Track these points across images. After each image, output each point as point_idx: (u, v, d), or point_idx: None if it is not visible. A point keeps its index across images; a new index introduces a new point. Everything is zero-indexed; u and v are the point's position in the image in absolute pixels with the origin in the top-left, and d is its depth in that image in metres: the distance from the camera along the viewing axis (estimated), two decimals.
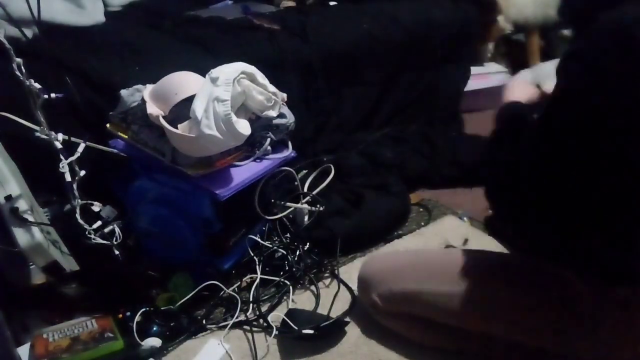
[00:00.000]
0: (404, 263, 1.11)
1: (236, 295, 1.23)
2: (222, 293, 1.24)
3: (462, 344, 1.06)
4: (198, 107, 1.11)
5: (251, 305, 1.23)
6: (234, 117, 1.12)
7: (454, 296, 0.97)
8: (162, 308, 1.17)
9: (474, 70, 2.17)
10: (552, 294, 0.90)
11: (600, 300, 0.85)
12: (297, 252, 1.34)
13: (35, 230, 1.00)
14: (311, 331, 1.11)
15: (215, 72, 1.14)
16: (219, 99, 1.10)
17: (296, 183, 1.44)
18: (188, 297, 1.19)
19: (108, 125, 1.29)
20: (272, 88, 1.25)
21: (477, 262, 1.01)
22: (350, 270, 1.33)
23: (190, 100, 1.14)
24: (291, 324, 1.13)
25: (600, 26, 0.70)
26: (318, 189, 1.46)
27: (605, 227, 0.80)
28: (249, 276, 1.29)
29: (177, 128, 1.14)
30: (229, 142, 1.17)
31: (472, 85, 2.16)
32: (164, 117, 1.16)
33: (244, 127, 1.16)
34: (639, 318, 0.85)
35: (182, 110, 1.16)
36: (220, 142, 1.14)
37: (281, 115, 1.34)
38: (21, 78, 0.99)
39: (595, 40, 0.70)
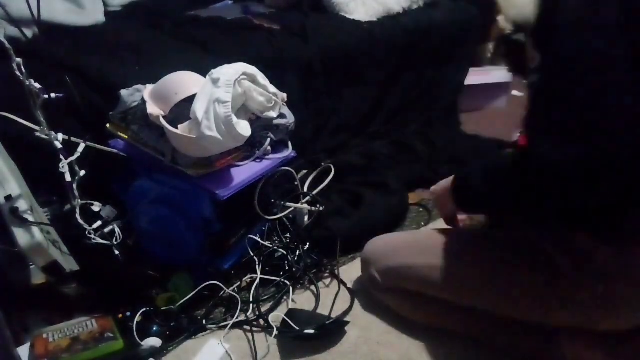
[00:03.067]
0: (400, 241, 1.19)
1: (236, 295, 1.23)
2: (222, 293, 1.24)
3: (449, 322, 1.12)
4: (199, 109, 1.11)
5: (251, 305, 1.22)
6: (234, 119, 1.12)
7: (441, 270, 1.05)
8: (162, 308, 1.17)
9: (473, 69, 2.18)
10: (533, 269, 0.95)
11: (579, 273, 0.89)
12: (297, 252, 1.34)
13: (35, 230, 1.00)
14: (311, 331, 1.11)
15: (216, 72, 1.14)
16: (220, 100, 1.10)
17: (296, 183, 1.44)
18: (188, 297, 1.19)
19: (108, 125, 1.29)
20: (272, 89, 1.25)
21: (461, 238, 1.10)
22: (350, 270, 1.33)
23: (190, 100, 1.14)
24: (291, 324, 1.13)
25: None
26: (318, 189, 1.46)
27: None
28: (249, 276, 1.29)
29: (177, 128, 1.14)
30: (229, 143, 1.17)
31: (471, 80, 2.17)
32: (164, 117, 1.16)
33: (244, 129, 1.16)
34: (615, 290, 0.88)
35: (182, 110, 1.16)
36: (221, 143, 1.14)
37: (281, 116, 1.34)
38: (21, 78, 0.99)
39: None
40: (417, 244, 1.14)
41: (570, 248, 0.90)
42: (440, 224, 1.53)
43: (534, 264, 0.95)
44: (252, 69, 1.21)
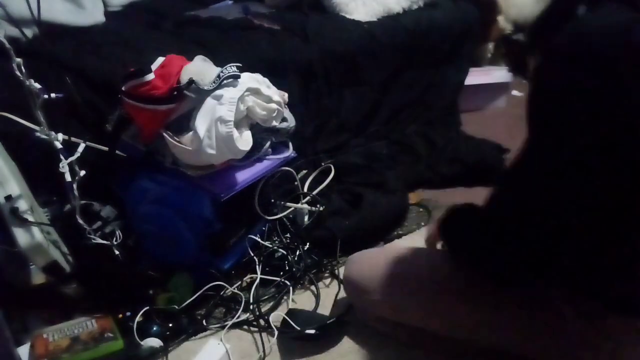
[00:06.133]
0: (380, 270, 1.03)
1: (239, 292, 1.23)
2: (223, 292, 1.24)
3: (445, 345, 1.05)
4: (200, 125, 1.10)
5: (251, 305, 1.23)
6: (235, 134, 1.12)
7: (433, 316, 0.97)
8: (162, 308, 1.17)
9: (473, 69, 2.18)
10: (536, 316, 0.88)
11: (586, 326, 0.83)
12: (297, 252, 1.34)
13: (35, 230, 1.00)
14: (312, 331, 1.11)
15: (220, 90, 1.13)
16: (223, 119, 1.10)
17: (296, 183, 1.44)
18: (191, 299, 1.19)
19: (107, 125, 1.29)
20: (276, 97, 1.24)
21: (454, 275, 0.95)
22: None
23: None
24: (292, 323, 1.13)
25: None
26: (318, 189, 1.46)
27: (609, 255, 0.76)
28: (249, 276, 1.29)
29: (175, 134, 1.14)
30: (229, 157, 1.18)
31: (471, 80, 2.17)
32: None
33: (245, 143, 1.16)
34: (623, 355, 0.83)
35: (182, 119, 1.16)
36: (220, 158, 1.15)
37: (282, 119, 1.34)
38: (21, 78, 0.98)
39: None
40: (397, 274, 1.01)
41: (578, 297, 0.83)
42: None
43: (538, 310, 0.87)
44: (257, 81, 1.20)
